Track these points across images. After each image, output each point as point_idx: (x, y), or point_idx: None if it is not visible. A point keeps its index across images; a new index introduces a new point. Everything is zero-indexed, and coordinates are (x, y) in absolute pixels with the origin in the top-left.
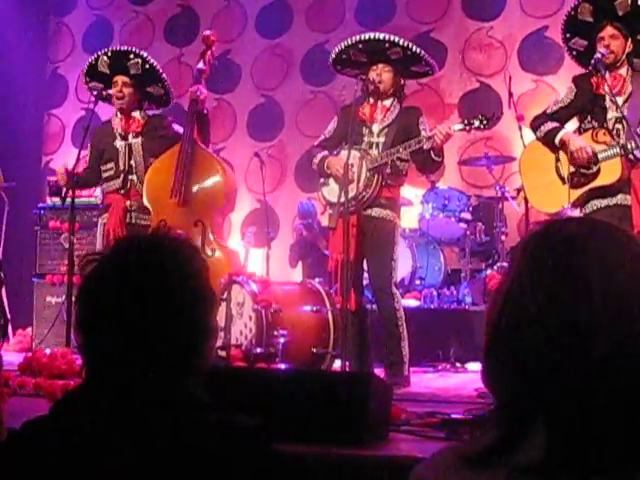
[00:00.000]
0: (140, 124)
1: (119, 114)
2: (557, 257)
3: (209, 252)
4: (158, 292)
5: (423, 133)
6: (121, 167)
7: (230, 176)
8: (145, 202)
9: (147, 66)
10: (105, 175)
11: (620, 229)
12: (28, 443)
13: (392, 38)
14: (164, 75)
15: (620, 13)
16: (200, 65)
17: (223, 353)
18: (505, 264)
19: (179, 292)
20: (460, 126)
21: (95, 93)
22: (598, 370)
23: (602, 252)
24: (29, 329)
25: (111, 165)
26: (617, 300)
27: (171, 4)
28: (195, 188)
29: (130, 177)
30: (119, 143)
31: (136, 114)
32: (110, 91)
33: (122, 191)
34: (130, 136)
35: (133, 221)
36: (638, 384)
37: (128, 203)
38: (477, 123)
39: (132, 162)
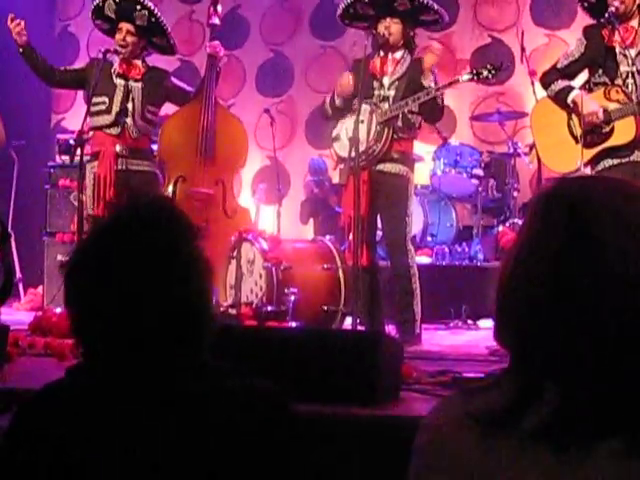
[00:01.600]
0: (140, 71)
1: (118, 58)
2: (566, 217)
3: (230, 212)
4: (152, 263)
5: (424, 83)
6: (116, 106)
7: (246, 134)
8: (161, 155)
9: (153, 19)
10: (96, 109)
11: (634, 186)
12: (52, 404)
13: None
14: (168, 29)
15: None
16: (215, 20)
17: (233, 311)
18: (517, 220)
19: (174, 262)
20: (469, 76)
21: (102, 50)
22: (611, 334)
23: (613, 211)
24: (40, 288)
25: (104, 99)
26: (631, 260)
27: None
28: (220, 147)
29: (125, 119)
30: (118, 81)
31: (137, 61)
32: (115, 47)
33: (113, 130)
34: (130, 80)
35: (125, 167)
36: None
37: (119, 148)
38: (485, 73)
39: (129, 105)
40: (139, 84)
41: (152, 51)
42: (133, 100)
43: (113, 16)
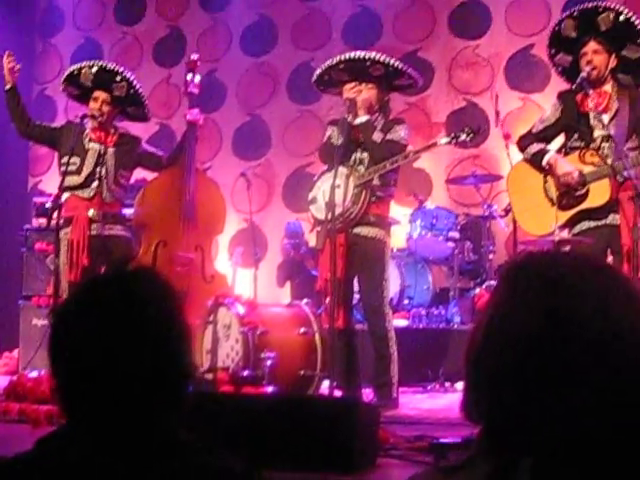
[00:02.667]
0: (113, 138)
1: (91, 125)
2: (535, 292)
3: (208, 278)
4: (131, 326)
5: (388, 136)
6: (87, 168)
7: (224, 200)
8: (142, 219)
9: (132, 90)
10: (68, 168)
11: (604, 264)
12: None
13: (372, 56)
14: (146, 100)
15: (603, 28)
16: (193, 89)
17: (210, 376)
18: (494, 283)
19: (153, 326)
20: (447, 139)
21: (80, 115)
22: (583, 412)
23: (582, 289)
24: (15, 351)
25: (75, 160)
26: (598, 334)
27: (159, 24)
28: (200, 213)
29: (97, 184)
30: (91, 145)
31: (110, 128)
32: (91, 113)
33: (85, 194)
34: (103, 145)
35: (98, 232)
36: (624, 424)
37: (92, 213)
38: (464, 136)
39: (103, 170)
40: (112, 150)
41: (123, 119)
42: (106, 165)
43: (89, 85)
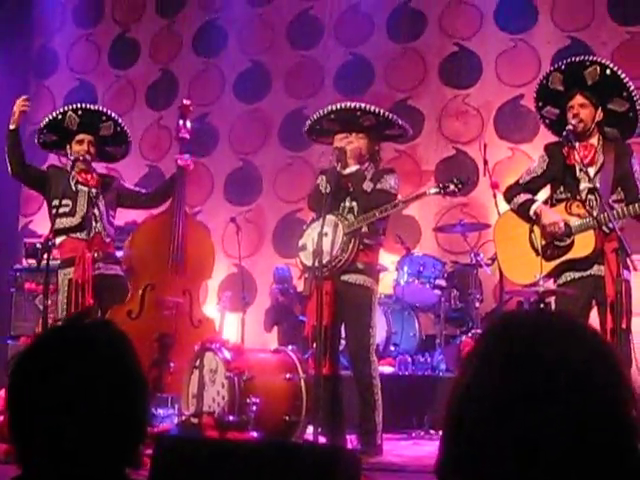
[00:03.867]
0: (96, 179)
1: (77, 168)
2: (513, 358)
3: (196, 322)
4: (87, 380)
5: (378, 185)
6: (82, 211)
7: (213, 245)
8: (131, 262)
9: (118, 129)
10: (61, 210)
11: (581, 325)
12: None
13: (363, 106)
14: (130, 137)
15: (589, 82)
16: (184, 134)
17: (195, 420)
18: (480, 331)
19: (110, 376)
20: (436, 189)
21: (72, 159)
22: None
23: (559, 350)
24: (3, 391)
25: (67, 202)
26: (575, 404)
27: (152, 68)
28: (189, 258)
29: (94, 225)
30: (80, 187)
31: (92, 169)
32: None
33: (83, 235)
34: (90, 188)
35: (100, 272)
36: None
37: (95, 254)
38: (452, 187)
39: (96, 211)
40: (98, 191)
41: (101, 160)
42: (98, 206)
43: (74, 128)
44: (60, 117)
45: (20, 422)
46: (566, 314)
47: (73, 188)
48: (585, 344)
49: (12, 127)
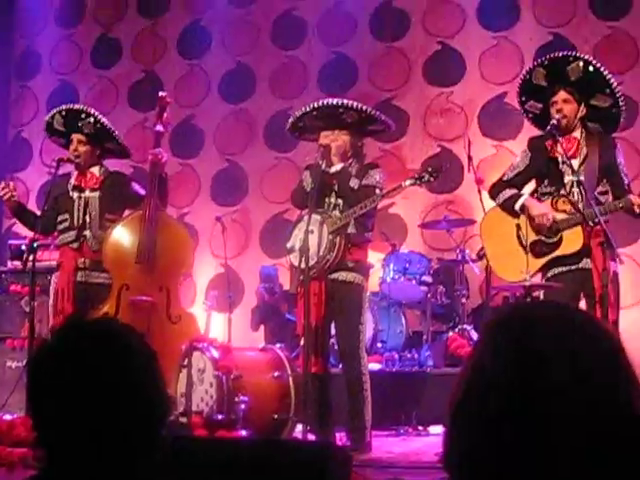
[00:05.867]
0: (98, 180)
1: (76, 170)
2: (516, 346)
3: (174, 318)
4: (108, 372)
5: (364, 181)
6: (75, 220)
7: (189, 239)
8: (106, 265)
9: (98, 125)
10: (60, 227)
11: (580, 312)
12: None
13: (345, 102)
14: (116, 133)
15: (572, 78)
16: (159, 127)
17: (184, 419)
18: (466, 326)
19: (130, 371)
20: (411, 181)
21: (56, 159)
22: (562, 460)
23: (559, 338)
24: None
25: (66, 216)
26: (577, 386)
27: (135, 69)
28: (160, 254)
29: (84, 232)
30: (75, 195)
31: (95, 169)
32: (68, 157)
33: (74, 245)
34: (87, 191)
35: (84, 279)
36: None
37: (80, 260)
38: (427, 176)
39: (87, 217)
40: (96, 194)
41: (109, 157)
42: (90, 212)
43: (63, 129)
44: (50, 121)
45: (40, 410)
46: (554, 301)
47: (70, 195)
48: (606, 336)
49: (11, 210)
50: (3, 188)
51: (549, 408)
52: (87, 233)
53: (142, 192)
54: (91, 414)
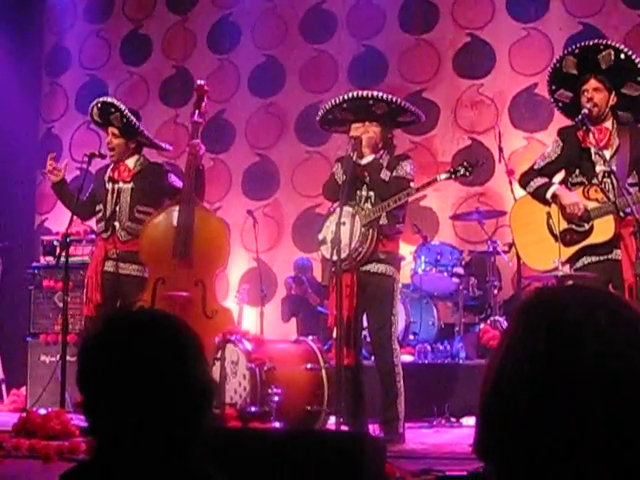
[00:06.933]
0: (131, 172)
1: (111, 161)
2: (549, 327)
3: (210, 313)
4: (159, 361)
5: (394, 173)
6: (108, 211)
7: (226, 233)
8: (142, 258)
9: (124, 120)
10: (97, 216)
11: (612, 295)
12: None
13: (374, 94)
14: (141, 128)
15: (603, 66)
16: (196, 117)
17: (217, 411)
18: (499, 318)
19: (180, 361)
20: (446, 175)
21: (88, 154)
22: (595, 441)
23: (594, 320)
24: (23, 389)
25: (101, 207)
26: (610, 367)
27: (165, 64)
28: (198, 247)
29: (113, 223)
30: (109, 186)
31: (130, 161)
32: (99, 151)
33: (105, 235)
34: (120, 182)
35: (112, 269)
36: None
37: (111, 251)
38: (462, 170)
39: (117, 208)
40: (128, 185)
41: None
42: (121, 203)
43: (100, 121)
44: (90, 112)
45: (93, 399)
46: (590, 287)
47: (106, 186)
48: (615, 312)
49: (51, 182)
50: (52, 158)
51: (583, 385)
52: (116, 224)
53: (179, 184)
54: (144, 402)
